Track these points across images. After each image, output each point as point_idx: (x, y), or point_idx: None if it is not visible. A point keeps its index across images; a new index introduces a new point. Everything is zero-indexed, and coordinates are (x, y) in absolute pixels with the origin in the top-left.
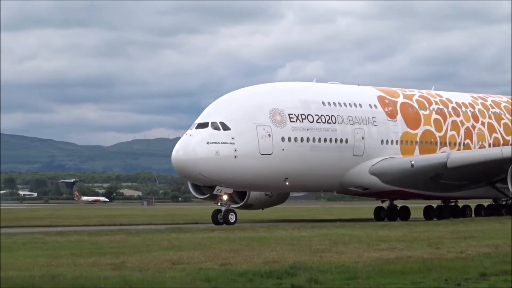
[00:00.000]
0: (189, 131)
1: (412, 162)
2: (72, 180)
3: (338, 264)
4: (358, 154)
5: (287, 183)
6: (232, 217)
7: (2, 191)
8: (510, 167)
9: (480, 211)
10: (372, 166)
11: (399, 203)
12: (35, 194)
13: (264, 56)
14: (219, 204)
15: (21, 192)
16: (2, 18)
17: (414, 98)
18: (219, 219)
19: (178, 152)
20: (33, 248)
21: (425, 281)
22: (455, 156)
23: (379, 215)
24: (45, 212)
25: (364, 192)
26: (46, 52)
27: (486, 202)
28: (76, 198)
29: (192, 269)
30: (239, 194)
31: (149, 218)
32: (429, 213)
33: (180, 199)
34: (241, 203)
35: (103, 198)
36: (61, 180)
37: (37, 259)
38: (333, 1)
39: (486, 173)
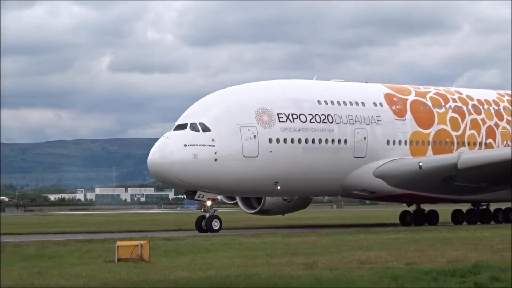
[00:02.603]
0: (166, 133)
1: (420, 164)
2: None
3: None
4: (360, 156)
5: (278, 187)
6: (216, 224)
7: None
8: None
9: (508, 214)
10: (377, 168)
11: (426, 207)
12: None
13: (442, 66)
14: (202, 210)
15: (219, 197)
16: (199, 36)
17: (428, 96)
18: (203, 226)
19: (154, 155)
20: (230, 249)
21: None
22: (467, 156)
23: (405, 219)
24: (241, 215)
25: (371, 196)
26: (237, 65)
27: None
28: None
29: (379, 268)
30: (257, 199)
31: (338, 220)
32: (457, 218)
33: (367, 202)
34: (258, 209)
35: None
36: None
37: (234, 260)
38: (506, 11)
39: (505, 175)
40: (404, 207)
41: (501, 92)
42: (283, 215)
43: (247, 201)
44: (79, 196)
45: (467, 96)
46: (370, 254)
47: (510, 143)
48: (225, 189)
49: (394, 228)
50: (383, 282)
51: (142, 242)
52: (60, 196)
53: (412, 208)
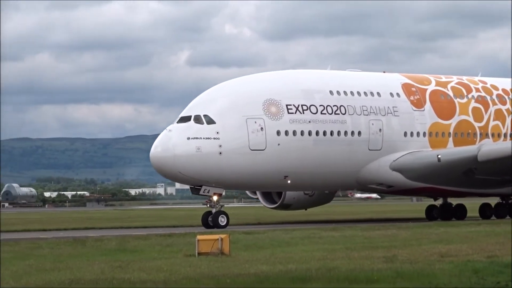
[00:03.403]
0: (169, 126)
1: (439, 156)
2: None
3: None
4: (375, 148)
5: (288, 181)
6: (222, 220)
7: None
8: None
9: None
10: (394, 161)
11: (453, 201)
12: None
13: None
14: (208, 205)
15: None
16: (276, 30)
17: (449, 86)
18: (209, 221)
19: (156, 148)
20: (310, 243)
21: None
22: (487, 148)
23: (431, 214)
24: (322, 209)
25: (388, 190)
26: (314, 59)
27: None
28: (349, 195)
29: (459, 261)
30: (278, 193)
31: (414, 213)
32: (485, 212)
33: None
34: (278, 203)
35: (374, 195)
36: None
37: (314, 253)
38: None
39: None
40: (430, 201)
41: None
42: (306, 210)
43: (268, 196)
44: (160, 190)
45: (491, 85)
46: (450, 247)
47: None
48: (231, 183)
49: (475, 221)
50: (464, 275)
51: (222, 236)
52: (140, 191)
53: (439, 202)
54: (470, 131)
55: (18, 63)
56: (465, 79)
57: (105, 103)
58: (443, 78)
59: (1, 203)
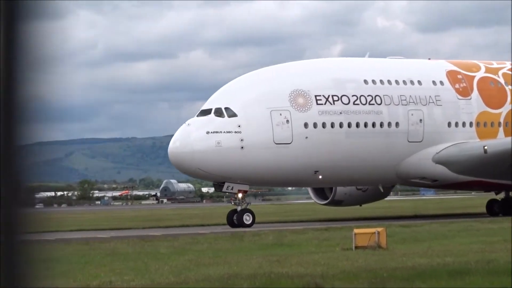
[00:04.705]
0: (189, 120)
1: (485, 147)
2: None
3: None
4: (415, 140)
5: (319, 177)
6: (247, 218)
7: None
8: None
9: None
10: (437, 153)
11: None
12: None
13: None
14: (232, 203)
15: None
16: (428, 22)
17: (500, 72)
18: (234, 220)
19: (175, 143)
20: (467, 235)
21: None
22: None
23: (492, 209)
24: (479, 201)
25: (433, 184)
26: (468, 50)
27: None
28: None
29: None
30: (330, 189)
31: None
32: None
33: None
34: (329, 199)
35: None
36: None
37: (472, 246)
38: None
39: None
40: (492, 195)
41: None
42: (360, 205)
43: (320, 191)
44: None
45: None
46: None
47: None
48: (254, 179)
49: None
50: None
51: (379, 229)
52: None
53: (501, 196)
54: None
55: (173, 61)
56: None
57: None
58: (495, 64)
59: (160, 199)
